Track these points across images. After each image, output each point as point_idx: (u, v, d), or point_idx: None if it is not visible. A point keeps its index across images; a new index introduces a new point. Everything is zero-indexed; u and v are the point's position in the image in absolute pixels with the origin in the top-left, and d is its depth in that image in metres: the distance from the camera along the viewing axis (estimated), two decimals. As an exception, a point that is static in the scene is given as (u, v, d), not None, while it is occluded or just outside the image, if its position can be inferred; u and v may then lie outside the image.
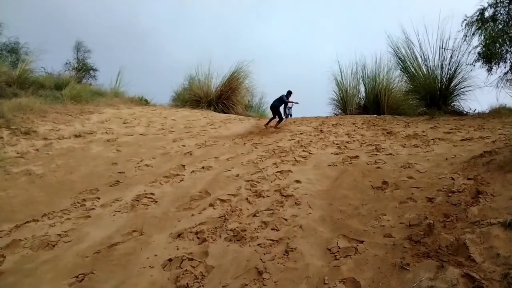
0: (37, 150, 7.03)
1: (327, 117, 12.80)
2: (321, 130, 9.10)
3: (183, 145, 8.00)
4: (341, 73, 15.06)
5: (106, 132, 8.78)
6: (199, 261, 3.26)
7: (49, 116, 9.07)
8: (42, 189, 5.42)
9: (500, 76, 9.66)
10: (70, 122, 9.06)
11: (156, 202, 4.89)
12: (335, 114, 14.88)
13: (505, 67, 9.55)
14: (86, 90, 13.11)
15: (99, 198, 5.10)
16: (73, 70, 16.70)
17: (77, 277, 3.15)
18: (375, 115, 11.86)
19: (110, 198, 5.08)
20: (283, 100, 10.85)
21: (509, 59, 9.41)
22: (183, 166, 6.41)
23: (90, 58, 19.03)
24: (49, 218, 4.48)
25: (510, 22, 8.99)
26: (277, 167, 5.93)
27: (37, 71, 13.19)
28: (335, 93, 15.29)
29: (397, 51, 11.67)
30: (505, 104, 8.94)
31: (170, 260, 3.32)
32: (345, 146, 6.89)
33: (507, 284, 2.04)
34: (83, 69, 17.71)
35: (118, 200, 4.97)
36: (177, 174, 5.95)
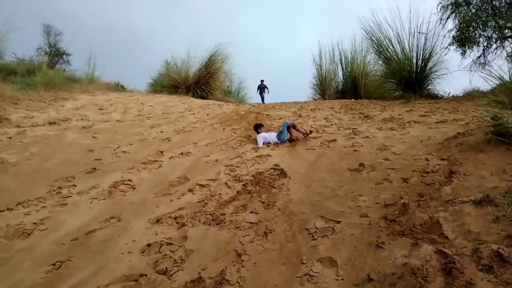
0: (10, 138, 6.81)
1: (305, 102, 12.85)
2: (299, 115, 9.14)
3: (161, 131, 7.90)
4: (320, 57, 15.09)
5: (82, 119, 8.56)
6: (178, 246, 3.25)
7: (21, 103, 8.78)
8: (16, 177, 5.27)
9: (473, 60, 9.94)
10: (44, 109, 8.81)
11: (134, 188, 4.84)
12: (313, 99, 14.96)
13: (478, 51, 9.83)
14: (60, 76, 12.71)
15: (75, 186, 5.00)
16: (46, 55, 16.15)
17: (54, 264, 3.10)
18: (352, 100, 11.98)
19: (86, 185, 4.99)
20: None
21: (482, 43, 9.67)
22: (161, 152, 6.34)
23: (62, 41, 18.45)
24: (24, 206, 4.37)
25: (483, 7, 9.19)
26: (256, 151, 5.94)
27: (7, 56, 12.73)
28: (314, 78, 15.37)
29: (371, 35, 11.76)
30: (478, 87, 9.20)
31: (149, 245, 3.30)
32: (323, 130, 6.95)
33: (476, 258, 2.12)
34: (55, 54, 17.17)
35: (95, 187, 4.89)
36: (155, 160, 5.89)
